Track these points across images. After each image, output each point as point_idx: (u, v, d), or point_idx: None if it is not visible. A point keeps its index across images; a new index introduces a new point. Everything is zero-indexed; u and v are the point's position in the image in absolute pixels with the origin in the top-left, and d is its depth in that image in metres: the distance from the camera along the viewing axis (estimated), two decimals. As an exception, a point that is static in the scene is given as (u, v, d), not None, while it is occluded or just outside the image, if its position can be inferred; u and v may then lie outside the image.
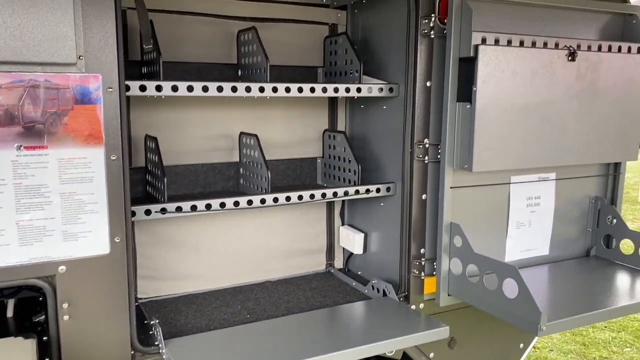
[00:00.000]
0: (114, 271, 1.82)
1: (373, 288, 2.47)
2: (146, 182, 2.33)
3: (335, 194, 2.34)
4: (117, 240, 1.81)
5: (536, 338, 2.82)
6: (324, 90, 2.23)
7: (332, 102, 2.74)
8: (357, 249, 2.68)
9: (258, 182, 2.30)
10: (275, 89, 2.12)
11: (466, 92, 2.22)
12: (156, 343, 1.95)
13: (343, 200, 2.82)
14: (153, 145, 2.17)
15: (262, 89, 2.09)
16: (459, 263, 2.30)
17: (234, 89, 2.04)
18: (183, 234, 2.47)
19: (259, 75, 2.22)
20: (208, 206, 2.07)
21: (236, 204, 2.12)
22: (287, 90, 2.14)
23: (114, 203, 1.79)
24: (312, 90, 2.20)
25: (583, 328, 5.14)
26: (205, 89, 1.99)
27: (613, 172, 2.76)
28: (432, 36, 2.24)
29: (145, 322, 2.11)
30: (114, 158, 1.77)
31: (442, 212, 2.31)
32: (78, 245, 1.75)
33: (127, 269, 1.84)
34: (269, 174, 2.21)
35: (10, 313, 2.13)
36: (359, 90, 2.32)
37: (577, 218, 2.72)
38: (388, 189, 2.43)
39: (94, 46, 1.69)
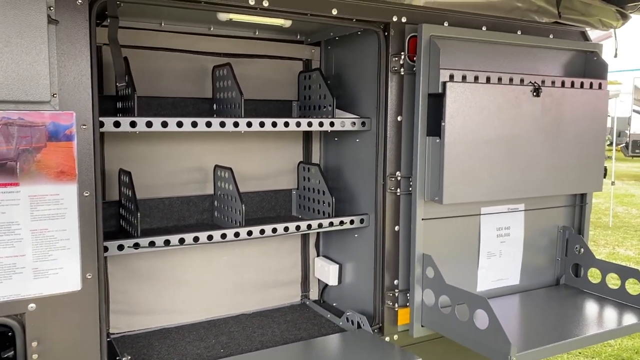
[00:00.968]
0: (85, 308, 1.81)
1: (348, 320, 2.48)
2: (120, 216, 2.33)
3: (309, 226, 2.37)
4: (89, 277, 1.80)
5: (510, 367, 2.84)
6: (298, 124, 2.28)
7: (307, 135, 2.79)
8: (332, 281, 2.70)
9: (232, 215, 2.32)
10: (249, 124, 2.15)
11: (435, 127, 2.29)
12: (128, 380, 1.93)
13: (318, 232, 2.84)
14: (127, 180, 2.17)
15: (236, 124, 2.13)
16: (431, 294, 2.33)
17: (209, 124, 2.07)
18: (156, 268, 2.46)
19: (233, 110, 2.26)
20: (181, 240, 2.07)
21: (210, 237, 2.13)
22: (262, 125, 2.18)
23: (86, 239, 1.79)
24: (286, 124, 2.25)
25: (558, 355, 5.18)
26: (179, 124, 2.01)
27: (580, 203, 2.85)
28: (402, 73, 2.31)
29: (117, 358, 2.09)
30: (87, 194, 1.77)
31: (414, 244, 2.35)
32: (49, 283, 1.74)
33: (98, 306, 1.83)
34: (244, 207, 2.23)
35: None
36: (332, 124, 2.37)
37: (546, 248, 2.79)
38: (362, 221, 2.47)
39: (68, 84, 1.71)
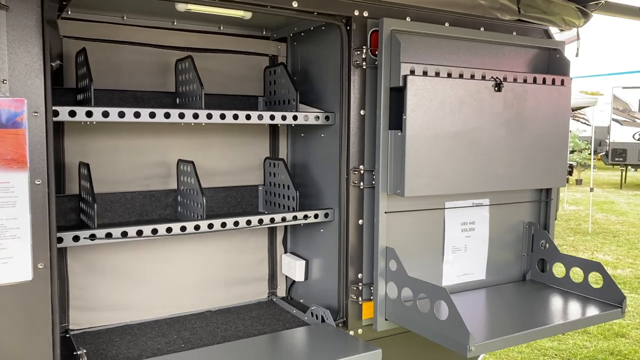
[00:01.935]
0: (37, 299, 1.78)
1: (312, 315, 2.47)
2: (80, 210, 2.30)
3: (272, 220, 2.36)
4: (41, 267, 1.77)
5: (477, 362, 2.85)
6: (260, 117, 2.28)
7: (274, 131, 2.79)
8: (299, 277, 2.69)
9: (195, 209, 2.31)
10: (209, 116, 2.15)
11: (397, 120, 2.30)
12: (82, 374, 1.90)
13: (285, 228, 2.84)
14: (85, 172, 2.15)
15: (196, 116, 2.12)
16: (394, 287, 2.33)
17: (167, 115, 2.06)
18: (119, 263, 2.43)
19: (195, 102, 2.25)
20: (139, 232, 2.05)
21: (169, 230, 2.11)
22: (222, 117, 2.18)
23: (38, 228, 1.76)
24: (248, 117, 2.24)
25: (534, 357, 5.20)
26: (137, 115, 2.00)
27: (545, 199, 2.87)
28: (365, 67, 2.33)
29: (75, 353, 2.05)
30: (38, 183, 1.75)
31: (378, 237, 2.35)
32: (-2, 272, 1.71)
33: (51, 297, 1.80)
34: (204, 200, 2.21)
35: None
36: (295, 118, 2.37)
37: (512, 243, 2.81)
38: (326, 215, 2.47)
39: (19, 71, 1.69)
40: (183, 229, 2.15)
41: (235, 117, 2.21)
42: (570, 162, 17.60)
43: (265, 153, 2.77)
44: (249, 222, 2.30)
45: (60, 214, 2.25)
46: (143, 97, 2.43)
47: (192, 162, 2.32)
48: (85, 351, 1.94)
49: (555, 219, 2.97)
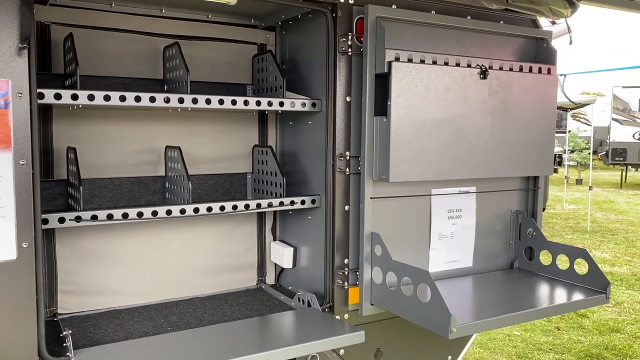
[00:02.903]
0: (21, 278, 1.80)
1: (299, 300, 2.49)
2: (68, 195, 2.32)
3: (259, 205, 2.38)
4: (25, 246, 1.80)
5: (464, 351, 2.86)
6: (246, 103, 2.30)
7: (263, 119, 2.81)
8: (287, 263, 2.71)
9: (182, 194, 2.33)
10: (195, 100, 2.17)
11: (382, 107, 2.32)
12: (67, 354, 1.92)
13: (274, 217, 2.86)
14: (72, 156, 2.18)
15: (181, 100, 2.14)
16: (379, 272, 2.35)
17: (153, 99, 2.08)
18: (107, 249, 2.45)
19: (181, 88, 2.28)
20: (125, 215, 2.08)
21: (154, 213, 2.14)
22: (208, 102, 2.20)
23: (22, 208, 1.78)
24: (234, 102, 2.27)
25: (529, 351, 5.21)
26: (122, 98, 2.03)
27: (532, 187, 2.89)
28: (350, 53, 2.35)
29: (61, 334, 2.07)
30: (22, 163, 1.77)
31: (363, 222, 2.37)
32: (-18, 250, 1.73)
33: (35, 276, 1.82)
34: (190, 184, 2.23)
35: None
36: (281, 104, 2.39)
37: (499, 231, 2.82)
38: (313, 201, 2.49)
39: (2, 52, 1.71)
40: (169, 212, 2.17)
41: (221, 102, 2.23)
42: (559, 152, 17.59)
43: (254, 141, 2.80)
44: (235, 207, 2.32)
45: (49, 199, 2.28)
46: (131, 84, 2.45)
47: (179, 148, 2.34)
48: (70, 332, 1.96)
49: (544, 209, 2.99)
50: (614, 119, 16.47)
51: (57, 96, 1.92)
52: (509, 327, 5.68)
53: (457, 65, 2.44)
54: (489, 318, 2.13)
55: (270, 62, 2.56)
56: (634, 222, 11.30)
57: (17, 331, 1.80)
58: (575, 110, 15.22)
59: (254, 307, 2.52)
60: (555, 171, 17.08)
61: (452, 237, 2.66)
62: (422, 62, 2.36)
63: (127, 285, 2.50)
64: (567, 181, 13.71)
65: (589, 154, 14.26)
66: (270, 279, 2.88)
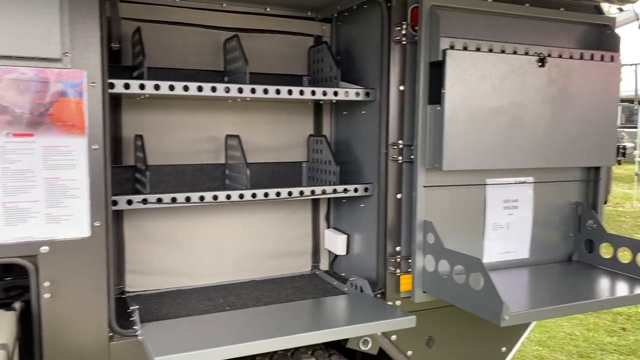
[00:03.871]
0: (94, 254, 1.95)
1: (351, 285, 2.54)
2: (135, 180, 2.48)
3: (313, 192, 2.45)
4: (97, 225, 1.94)
5: (519, 342, 2.82)
6: (301, 92, 2.37)
7: (318, 109, 2.88)
8: (340, 250, 2.76)
9: (240, 180, 2.43)
10: (253, 90, 2.26)
11: (436, 95, 2.33)
12: (134, 327, 2.06)
13: (328, 205, 2.92)
14: (140, 143, 2.32)
15: (240, 90, 2.24)
16: (432, 260, 2.36)
17: (214, 89, 2.19)
18: (171, 232, 2.59)
19: (241, 79, 2.37)
20: (188, 199, 2.20)
21: (215, 197, 2.25)
22: (265, 91, 2.29)
23: (95, 189, 1.93)
24: (290, 92, 2.34)
25: (591, 351, 5.04)
26: (185, 88, 2.14)
27: (594, 178, 2.80)
28: (404, 42, 2.37)
29: (128, 310, 2.22)
30: (95, 147, 1.92)
31: (416, 210, 2.39)
32: (60, 228, 1.89)
33: (106, 253, 1.97)
34: (249, 171, 2.33)
35: None
36: (335, 94, 2.45)
37: (558, 223, 2.76)
38: (366, 189, 2.53)
39: (79, 44, 1.86)
40: (228, 197, 2.28)
41: (278, 92, 2.31)
42: (625, 144, 16.61)
43: (309, 131, 2.87)
44: (290, 194, 2.40)
45: (118, 184, 2.43)
46: (194, 75, 2.58)
47: (238, 136, 2.44)
48: (137, 307, 2.10)
49: (606, 202, 2.89)
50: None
51: (126, 86, 2.05)
52: (570, 326, 5.51)
53: (514, 53, 2.41)
54: (544, 308, 2.10)
55: (325, 53, 2.62)
56: None
57: (90, 303, 1.96)
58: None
59: (308, 290, 2.60)
60: (619, 163, 16.21)
61: (507, 228, 2.63)
62: (478, 50, 2.35)
63: (189, 267, 2.64)
64: (638, 178, 13.01)
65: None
66: (324, 265, 2.95)
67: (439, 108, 2.32)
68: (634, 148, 14.39)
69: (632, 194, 12.96)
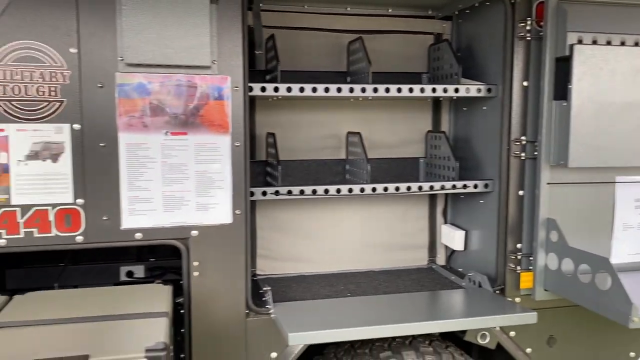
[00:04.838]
0: (235, 238, 2.19)
1: (470, 280, 2.58)
2: (266, 174, 2.71)
3: (432, 187, 2.52)
4: (238, 213, 2.18)
5: (650, 349, 2.68)
6: (422, 90, 2.44)
7: (436, 105, 2.93)
8: (458, 246, 2.80)
9: (360, 175, 2.57)
10: (375, 90, 2.38)
11: (562, 91, 2.29)
12: (267, 306, 2.28)
13: (446, 200, 2.97)
14: (272, 140, 2.54)
15: (363, 90, 2.37)
16: (555, 258, 2.33)
17: (339, 90, 2.34)
18: (298, 222, 2.80)
19: (363, 79, 2.50)
20: (314, 191, 2.38)
21: (338, 191, 2.41)
22: (387, 90, 2.39)
23: (237, 181, 2.17)
24: (411, 90, 2.43)
25: None
26: (314, 89, 2.32)
27: None
28: (529, 38, 2.35)
29: (260, 291, 2.46)
30: (237, 144, 2.15)
31: (539, 208, 2.37)
32: (208, 214, 2.15)
33: (245, 238, 2.21)
34: (369, 167, 2.46)
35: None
36: (456, 90, 2.49)
37: (698, 225, 2.57)
38: (486, 185, 2.55)
39: (224, 53, 2.10)
40: (350, 190, 2.42)
41: (399, 90, 2.41)
42: None
43: (427, 127, 2.93)
44: (409, 188, 2.49)
45: (252, 177, 2.67)
46: (319, 76, 2.75)
47: (359, 133, 2.57)
48: (270, 288, 2.32)
49: None
50: None
51: (263, 89, 2.27)
52: None
53: (650, 44, 2.30)
54: (679, 312, 2.00)
55: (446, 50, 2.66)
56: None
57: (231, 282, 2.21)
58: None
59: (425, 283, 2.68)
60: None
61: (639, 229, 2.51)
62: (609, 43, 2.27)
63: (312, 255, 2.83)
64: None
65: None
66: (441, 260, 3.00)
67: (565, 104, 2.28)
68: None
69: None
